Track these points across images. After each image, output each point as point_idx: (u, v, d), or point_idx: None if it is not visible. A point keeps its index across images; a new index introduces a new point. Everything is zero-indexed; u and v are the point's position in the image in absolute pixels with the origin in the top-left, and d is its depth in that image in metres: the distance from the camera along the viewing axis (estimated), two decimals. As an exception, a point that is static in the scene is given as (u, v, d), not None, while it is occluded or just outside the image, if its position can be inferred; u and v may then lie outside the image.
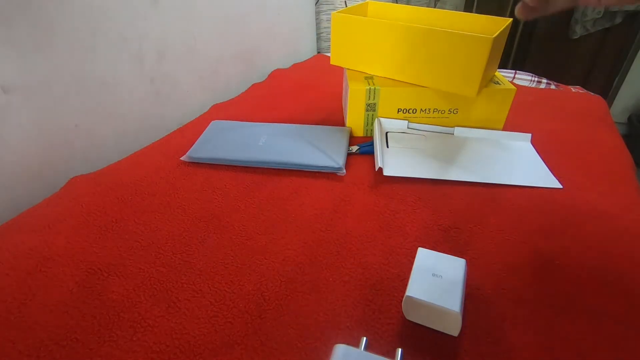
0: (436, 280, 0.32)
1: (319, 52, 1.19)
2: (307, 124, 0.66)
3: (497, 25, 0.60)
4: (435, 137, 0.61)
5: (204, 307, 0.35)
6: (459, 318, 0.30)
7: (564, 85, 0.89)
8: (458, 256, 0.35)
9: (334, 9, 1.13)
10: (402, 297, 0.34)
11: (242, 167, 0.55)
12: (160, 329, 0.33)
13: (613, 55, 1.69)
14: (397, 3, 0.79)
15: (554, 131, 0.65)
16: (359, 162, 0.56)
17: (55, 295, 0.35)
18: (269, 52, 0.97)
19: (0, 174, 0.48)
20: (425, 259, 0.35)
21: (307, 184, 0.51)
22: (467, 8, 1.72)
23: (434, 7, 1.37)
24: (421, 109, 0.61)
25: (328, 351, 0.31)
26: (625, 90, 1.68)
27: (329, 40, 1.18)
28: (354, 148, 0.59)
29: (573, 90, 0.85)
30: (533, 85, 0.88)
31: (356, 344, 0.28)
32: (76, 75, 0.54)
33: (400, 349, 0.28)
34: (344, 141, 0.59)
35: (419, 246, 0.37)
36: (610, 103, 1.71)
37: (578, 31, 1.62)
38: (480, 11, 1.75)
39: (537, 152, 0.58)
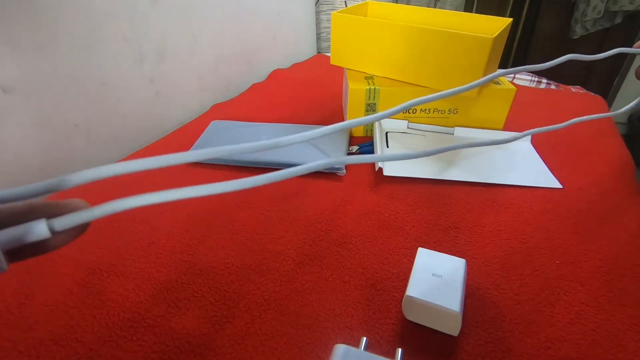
0: (436, 280, 0.32)
1: (319, 52, 1.19)
2: (307, 124, 0.66)
3: (497, 25, 0.60)
4: (435, 137, 0.61)
5: (204, 307, 0.35)
6: (459, 318, 0.30)
7: (564, 85, 0.89)
8: (458, 256, 0.35)
9: (334, 9, 1.13)
10: (402, 297, 0.34)
11: (242, 167, 0.55)
12: (160, 329, 0.33)
13: (613, 55, 1.69)
14: (397, 3, 0.79)
15: (554, 131, 0.65)
16: (359, 162, 0.56)
17: (55, 295, 0.35)
18: (269, 52, 0.97)
19: (0, 174, 0.48)
20: (425, 259, 0.35)
21: (307, 184, 0.51)
22: (467, 8, 1.72)
23: (434, 7, 1.37)
24: (421, 109, 0.61)
25: (328, 351, 0.31)
26: (625, 90, 1.68)
27: (329, 40, 1.18)
28: (354, 148, 0.59)
29: (573, 90, 0.85)
30: (533, 85, 0.88)
31: (356, 344, 0.28)
32: (76, 75, 0.53)
33: (400, 349, 0.28)
34: (344, 141, 0.59)
35: (419, 246, 0.37)
36: (610, 103, 1.71)
37: (578, 31, 1.62)
38: (480, 11, 1.75)
39: (537, 152, 0.58)
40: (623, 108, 0.35)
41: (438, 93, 0.23)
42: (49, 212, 0.13)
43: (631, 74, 1.64)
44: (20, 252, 0.13)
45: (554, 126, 0.31)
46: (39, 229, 0.12)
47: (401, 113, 0.61)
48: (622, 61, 1.65)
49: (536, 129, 0.30)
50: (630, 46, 0.41)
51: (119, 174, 0.14)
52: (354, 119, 0.19)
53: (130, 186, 0.50)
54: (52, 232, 0.13)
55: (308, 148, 0.57)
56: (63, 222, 0.13)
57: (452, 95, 0.22)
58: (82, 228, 0.14)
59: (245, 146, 0.16)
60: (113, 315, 0.34)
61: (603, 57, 0.36)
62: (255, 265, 0.39)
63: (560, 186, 0.51)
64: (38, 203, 0.14)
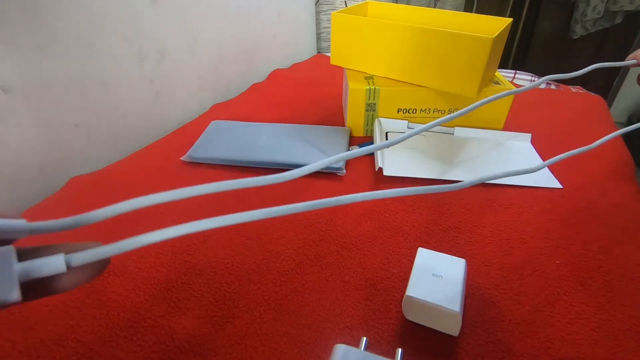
0: (436, 280, 0.32)
1: (319, 52, 1.19)
2: (307, 124, 0.66)
3: (497, 25, 0.60)
4: (435, 137, 0.61)
5: (204, 307, 0.35)
6: (459, 318, 0.30)
7: (564, 85, 0.89)
8: (458, 256, 0.35)
9: (334, 9, 1.13)
10: (402, 297, 0.34)
11: (242, 167, 0.55)
12: (160, 329, 0.33)
13: (613, 55, 1.69)
14: (397, 3, 0.79)
15: (554, 131, 0.65)
16: (359, 162, 0.56)
17: (55, 295, 0.35)
18: (269, 52, 0.97)
19: (0, 173, 0.48)
20: (425, 259, 0.35)
21: (307, 184, 0.51)
22: (467, 8, 1.72)
23: (434, 7, 1.37)
24: (421, 109, 0.61)
25: (328, 351, 0.31)
26: (625, 90, 1.68)
27: (329, 40, 1.18)
28: (354, 148, 0.59)
29: (573, 90, 0.85)
30: (533, 85, 0.88)
31: (356, 344, 0.28)
32: (76, 75, 0.54)
33: (400, 349, 0.28)
34: (344, 141, 0.59)
35: (419, 246, 0.37)
36: (610, 103, 1.71)
37: (578, 31, 1.62)
38: (480, 11, 1.75)
39: (537, 152, 0.58)
40: None
41: (450, 115, 0.23)
42: (67, 251, 0.14)
43: (631, 75, 1.64)
44: (36, 289, 0.14)
45: (580, 149, 0.31)
46: (56, 262, 0.13)
47: (401, 113, 0.61)
48: (622, 61, 1.65)
49: (561, 155, 0.30)
50: (631, 47, 0.42)
51: (142, 207, 0.14)
52: (365, 147, 0.20)
53: (129, 187, 0.50)
54: (69, 266, 0.13)
55: (308, 149, 0.57)
56: (79, 258, 0.13)
57: (463, 115, 0.23)
58: (98, 269, 0.15)
59: (263, 178, 0.18)
60: (113, 315, 0.34)
61: (581, 74, 0.36)
62: (255, 265, 0.39)
63: (560, 186, 0.51)
64: (56, 244, 0.14)
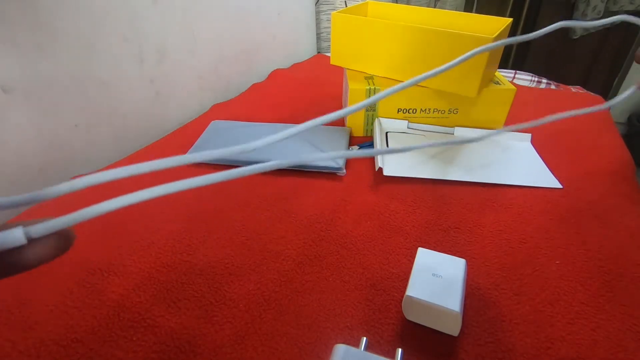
0: (436, 280, 0.32)
1: (319, 52, 1.19)
2: (307, 124, 0.66)
3: (497, 25, 0.60)
4: (435, 137, 0.61)
5: (204, 307, 0.35)
6: (459, 318, 0.30)
7: (564, 85, 0.89)
8: (458, 256, 0.35)
9: (334, 9, 1.13)
10: (402, 297, 0.34)
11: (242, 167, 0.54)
12: (160, 329, 0.33)
13: (613, 55, 1.69)
14: (397, 3, 0.79)
15: (554, 131, 0.65)
16: (359, 162, 0.56)
17: (55, 295, 0.35)
18: (269, 52, 0.97)
19: (0, 173, 0.48)
20: (425, 259, 0.35)
21: (307, 184, 0.51)
22: (467, 8, 1.72)
23: (434, 7, 1.36)
24: (421, 109, 0.61)
25: (328, 351, 0.31)
26: (625, 91, 1.68)
27: (329, 40, 1.18)
28: (354, 148, 0.59)
29: (573, 90, 0.85)
30: (533, 85, 0.88)
31: (356, 344, 0.28)
32: (76, 75, 0.53)
33: (400, 349, 0.28)
34: (344, 141, 0.59)
35: (419, 246, 0.37)
36: (610, 103, 1.71)
37: (578, 31, 1.62)
38: (480, 11, 1.75)
39: (537, 152, 0.58)
40: (608, 102, 0.33)
41: (431, 71, 0.22)
42: (25, 225, 0.14)
43: (632, 75, 1.64)
44: (2, 266, 0.14)
45: (532, 122, 0.30)
46: (16, 234, 0.13)
47: (401, 113, 0.61)
48: (622, 61, 1.65)
49: (516, 125, 0.29)
50: (631, 47, 0.40)
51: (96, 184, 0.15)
52: (350, 107, 0.19)
53: (129, 187, 0.50)
54: (29, 238, 0.13)
55: (308, 148, 0.57)
56: (38, 229, 0.14)
57: (445, 71, 0.21)
58: (61, 245, 0.15)
59: (239, 147, 0.17)
60: (113, 315, 0.34)
61: (601, 24, 0.32)
62: (256, 265, 0.39)
63: (560, 186, 0.51)
64: (14, 221, 0.14)
